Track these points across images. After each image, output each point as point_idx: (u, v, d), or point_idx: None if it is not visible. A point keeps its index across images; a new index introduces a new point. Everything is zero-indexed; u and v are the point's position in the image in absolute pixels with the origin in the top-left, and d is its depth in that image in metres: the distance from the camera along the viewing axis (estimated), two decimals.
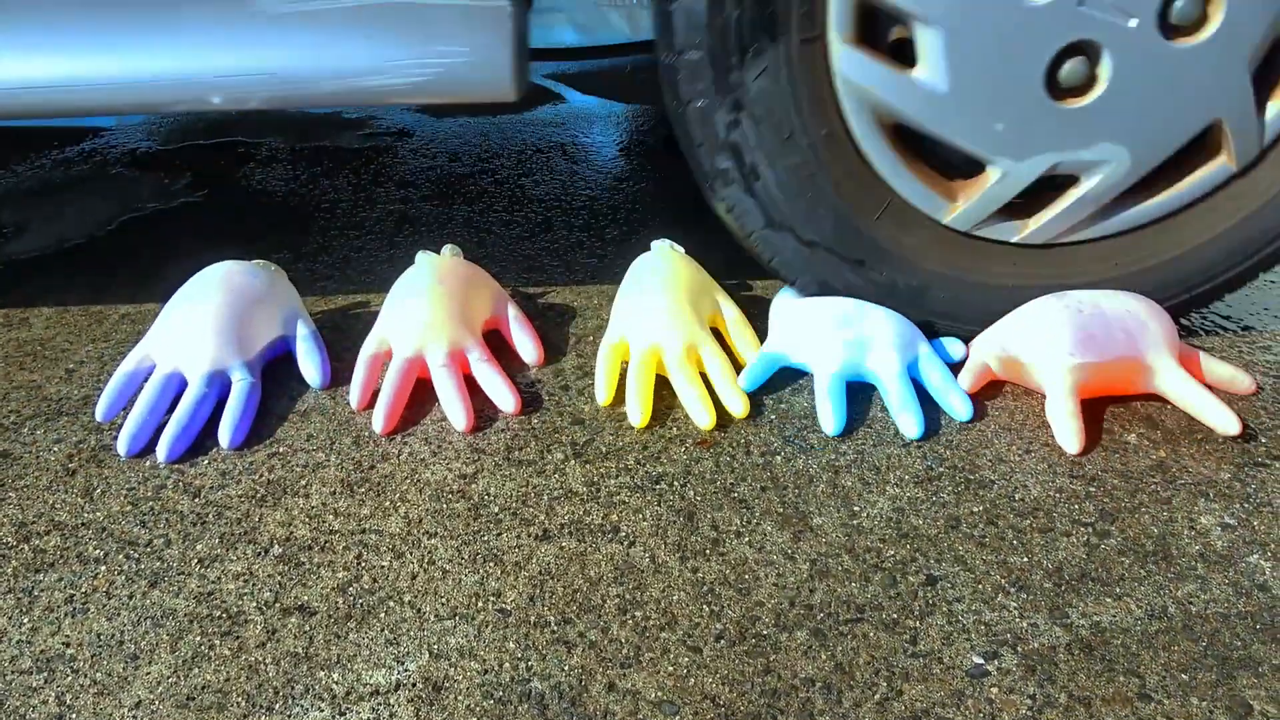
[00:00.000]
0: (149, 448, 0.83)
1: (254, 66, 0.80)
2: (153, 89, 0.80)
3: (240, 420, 0.84)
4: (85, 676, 0.60)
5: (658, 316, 0.91)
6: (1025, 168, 0.84)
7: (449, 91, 0.83)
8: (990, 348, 0.90)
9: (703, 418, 0.83)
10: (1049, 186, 0.87)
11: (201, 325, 0.88)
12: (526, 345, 0.96)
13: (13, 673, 0.61)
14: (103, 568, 0.70)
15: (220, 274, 0.94)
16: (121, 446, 0.81)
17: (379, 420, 0.84)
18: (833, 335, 0.89)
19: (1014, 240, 0.90)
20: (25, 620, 0.65)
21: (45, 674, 0.61)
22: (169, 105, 0.81)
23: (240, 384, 0.87)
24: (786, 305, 0.95)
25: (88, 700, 0.59)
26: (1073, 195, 0.87)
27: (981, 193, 0.86)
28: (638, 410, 0.84)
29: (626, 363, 0.92)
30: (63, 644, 0.63)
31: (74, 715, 0.58)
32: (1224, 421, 0.81)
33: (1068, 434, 0.80)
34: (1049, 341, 0.84)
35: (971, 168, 0.88)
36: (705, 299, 0.96)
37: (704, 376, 0.90)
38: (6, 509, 0.76)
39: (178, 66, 0.79)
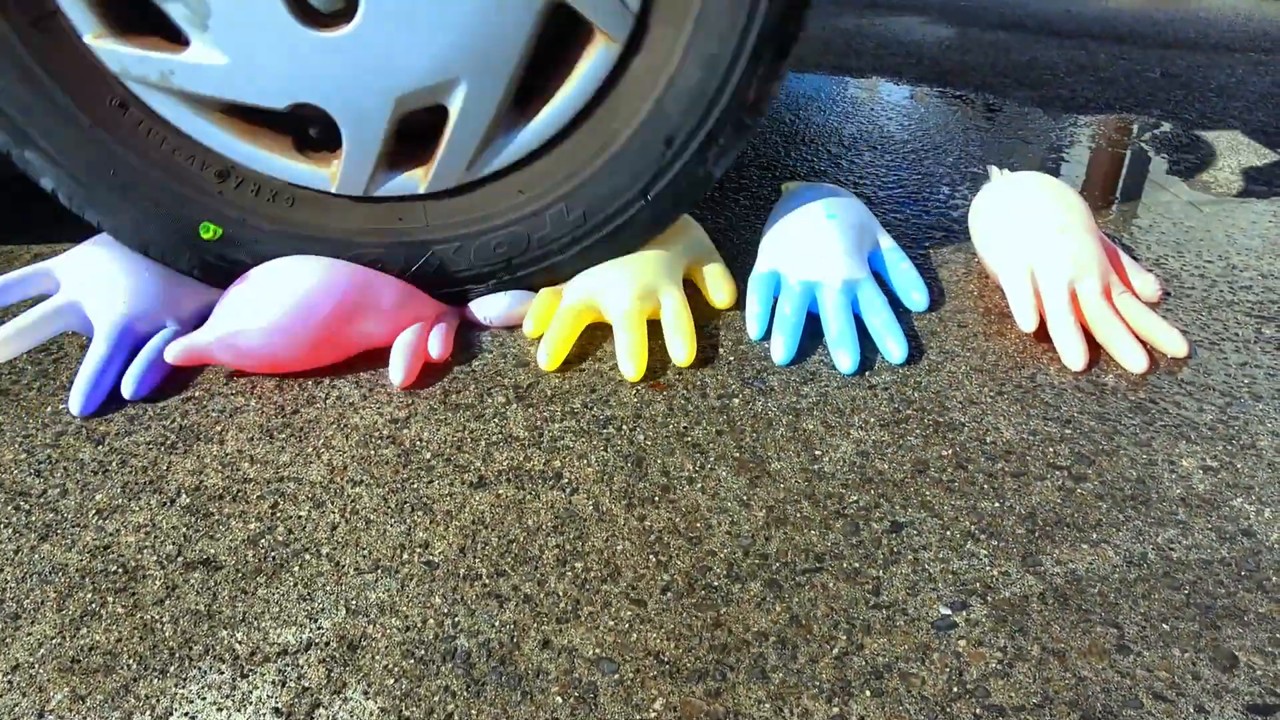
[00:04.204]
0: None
1: None
2: None
3: (149, 368, 0.76)
4: None
5: (608, 266, 0.84)
6: (370, 112, 0.74)
7: None
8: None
9: (626, 367, 0.77)
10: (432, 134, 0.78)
11: (118, 274, 0.80)
12: None
13: None
14: None
15: None
16: None
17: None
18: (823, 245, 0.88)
19: (422, 192, 0.79)
20: None
21: None
22: None
23: (165, 332, 0.80)
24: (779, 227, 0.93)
25: None
26: (448, 130, 0.76)
27: (346, 153, 0.76)
28: (546, 352, 0.78)
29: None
30: None
31: None
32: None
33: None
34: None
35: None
36: (678, 247, 0.89)
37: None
38: None
39: None
